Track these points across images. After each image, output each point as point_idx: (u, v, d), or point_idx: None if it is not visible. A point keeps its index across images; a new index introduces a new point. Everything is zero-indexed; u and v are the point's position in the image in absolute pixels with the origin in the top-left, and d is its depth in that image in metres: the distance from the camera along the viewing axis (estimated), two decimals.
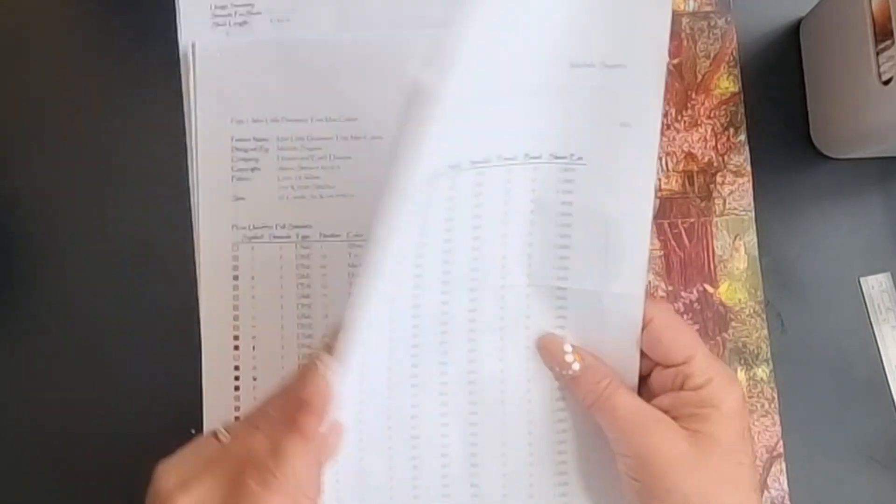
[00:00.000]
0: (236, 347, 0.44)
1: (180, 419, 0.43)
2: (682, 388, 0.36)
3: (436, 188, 0.34)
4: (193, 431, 0.43)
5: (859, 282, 0.47)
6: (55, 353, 0.46)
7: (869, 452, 0.45)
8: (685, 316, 0.46)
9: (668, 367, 0.36)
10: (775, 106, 0.48)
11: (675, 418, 0.35)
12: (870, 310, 0.46)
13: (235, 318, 0.44)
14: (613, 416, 0.36)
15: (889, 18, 0.39)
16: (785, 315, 0.47)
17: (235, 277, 0.44)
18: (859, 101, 0.43)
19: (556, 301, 0.38)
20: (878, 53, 0.41)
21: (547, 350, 0.38)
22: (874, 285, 0.47)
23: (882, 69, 0.40)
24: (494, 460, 0.38)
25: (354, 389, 0.35)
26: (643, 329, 0.37)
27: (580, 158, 0.36)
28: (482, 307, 0.37)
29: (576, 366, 0.37)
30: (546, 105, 0.35)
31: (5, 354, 0.46)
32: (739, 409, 0.35)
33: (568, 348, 0.37)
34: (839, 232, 0.47)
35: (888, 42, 0.40)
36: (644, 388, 0.37)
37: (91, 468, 0.45)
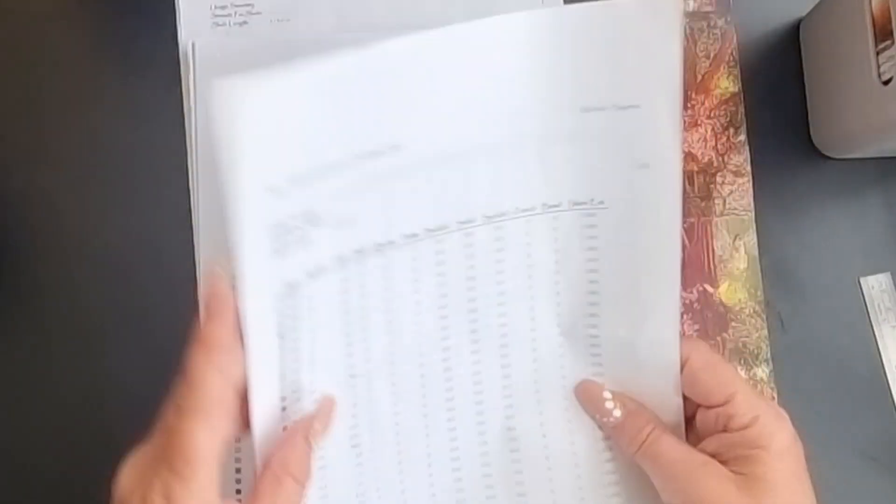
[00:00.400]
0: None
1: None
2: (725, 429, 0.34)
3: (448, 245, 0.35)
4: None
5: (859, 282, 0.47)
6: (55, 354, 0.46)
7: (869, 452, 0.45)
8: (685, 316, 0.46)
9: (709, 407, 0.35)
10: (775, 106, 0.48)
11: (723, 462, 0.33)
12: (870, 310, 0.46)
13: None
14: (658, 463, 0.34)
15: (889, 18, 0.39)
16: (785, 315, 0.47)
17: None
18: (859, 101, 0.43)
19: (591, 349, 0.37)
20: (878, 53, 0.41)
21: (587, 397, 0.37)
22: (874, 285, 0.47)
23: (882, 69, 0.40)
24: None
25: (392, 461, 0.36)
26: (681, 370, 0.36)
27: (601, 203, 0.35)
28: (515, 362, 0.37)
29: (617, 412, 0.36)
30: (560, 152, 0.35)
31: (5, 354, 0.46)
32: (791, 447, 0.33)
33: (608, 395, 0.36)
34: (839, 232, 0.47)
35: (888, 42, 0.40)
36: (691, 431, 0.36)
37: (91, 468, 0.45)
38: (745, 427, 0.33)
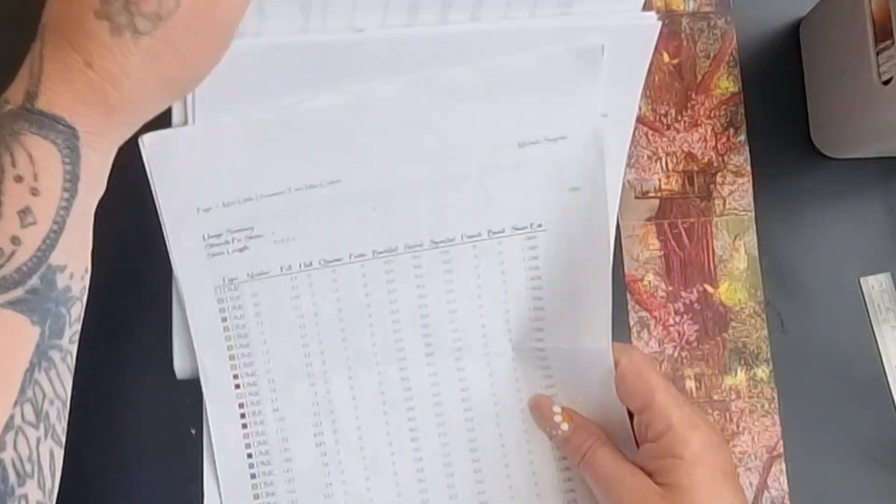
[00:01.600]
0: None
1: (180, 418, 0.43)
2: (645, 438, 0.35)
3: (397, 265, 0.38)
4: (193, 431, 0.43)
5: (859, 282, 0.47)
6: None
7: (869, 452, 0.45)
8: (685, 316, 0.46)
9: (636, 415, 0.36)
10: (775, 106, 0.48)
11: (648, 472, 0.34)
12: (870, 310, 0.46)
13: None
14: (595, 474, 0.36)
15: (889, 18, 0.39)
16: (785, 315, 0.47)
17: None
18: (859, 101, 0.43)
19: (540, 363, 0.39)
20: (878, 53, 0.41)
21: (538, 411, 0.38)
22: (874, 285, 0.47)
23: (882, 69, 0.40)
24: None
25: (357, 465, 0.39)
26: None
27: (540, 226, 0.38)
28: (472, 376, 0.39)
29: (564, 426, 0.37)
30: (501, 182, 0.38)
31: None
32: (705, 453, 0.33)
33: (557, 409, 0.38)
34: (839, 232, 0.47)
35: (888, 42, 0.40)
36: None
37: (90, 468, 0.45)
38: (660, 437, 0.34)
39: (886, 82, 0.40)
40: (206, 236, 0.38)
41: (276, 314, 0.39)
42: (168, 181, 0.38)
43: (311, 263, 0.39)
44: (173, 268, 0.39)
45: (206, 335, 0.39)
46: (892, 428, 0.45)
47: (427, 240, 0.38)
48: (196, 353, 0.39)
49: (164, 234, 0.38)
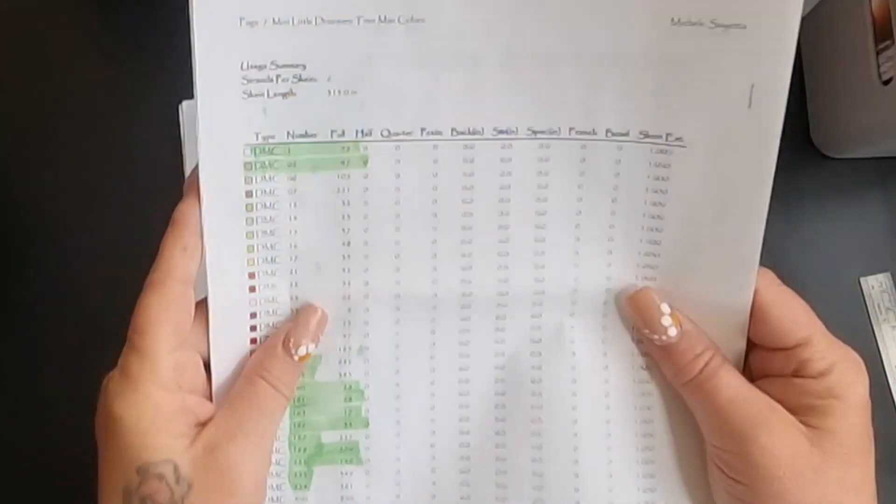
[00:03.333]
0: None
1: None
2: (796, 373, 0.29)
3: (480, 151, 0.30)
4: None
5: (859, 282, 0.47)
6: (55, 353, 0.46)
7: None
8: None
9: (776, 349, 0.30)
10: None
11: (790, 409, 0.29)
12: (870, 310, 0.46)
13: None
14: (715, 400, 0.29)
15: (889, 18, 0.39)
16: None
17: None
18: (859, 101, 0.43)
19: (645, 259, 0.32)
20: (878, 53, 0.41)
21: (639, 308, 0.31)
22: (874, 285, 0.46)
23: (882, 69, 0.40)
24: (564, 454, 0.32)
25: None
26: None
27: (679, 139, 0.30)
28: (551, 271, 0.32)
29: (672, 331, 0.30)
30: (634, 71, 0.29)
31: (5, 354, 0.46)
32: (867, 400, 0.29)
33: (666, 308, 0.30)
34: (839, 232, 0.47)
35: (888, 42, 0.40)
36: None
37: (92, 467, 0.45)
38: (821, 374, 0.29)
39: (886, 82, 0.40)
40: (244, 64, 0.29)
41: (315, 206, 0.31)
42: None
43: (369, 132, 0.30)
44: (197, 109, 0.29)
45: (221, 215, 0.30)
46: (893, 428, 0.45)
47: (523, 126, 0.30)
48: (204, 244, 0.30)
49: (192, 61, 0.28)
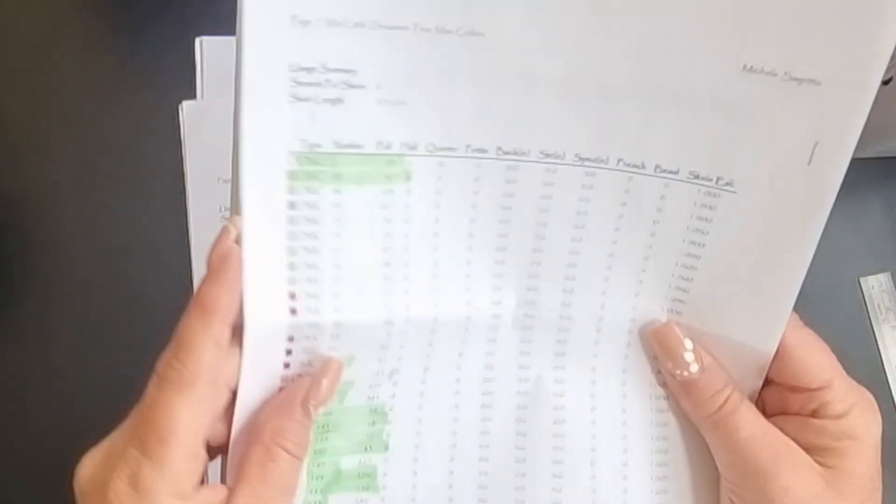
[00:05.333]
0: None
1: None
2: (815, 415, 0.30)
3: (524, 174, 0.29)
4: None
5: (859, 282, 0.47)
6: (55, 352, 0.46)
7: None
8: None
9: (797, 390, 0.30)
10: None
11: (806, 448, 0.29)
12: (870, 310, 0.46)
13: None
14: (734, 437, 0.29)
15: None
16: None
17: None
18: None
19: (672, 303, 0.31)
20: None
21: (662, 342, 0.31)
22: (874, 285, 0.46)
23: None
24: (581, 480, 0.32)
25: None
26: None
27: (728, 184, 0.29)
28: (579, 297, 0.31)
29: (694, 367, 0.30)
30: (695, 110, 0.28)
31: (5, 353, 0.46)
32: (879, 441, 0.30)
33: (689, 344, 0.30)
34: (839, 232, 0.47)
35: None
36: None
37: None
38: (841, 416, 0.29)
39: (886, 82, 0.40)
40: (293, 66, 0.26)
41: (360, 210, 0.28)
42: None
43: (414, 146, 0.28)
44: (236, 106, 0.26)
45: (262, 228, 0.27)
46: (893, 428, 0.45)
47: (570, 152, 0.29)
48: (243, 260, 0.27)
49: (238, 58, 0.26)
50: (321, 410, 0.28)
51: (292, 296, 0.28)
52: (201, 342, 0.26)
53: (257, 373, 0.28)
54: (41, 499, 0.46)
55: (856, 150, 0.46)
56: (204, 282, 0.27)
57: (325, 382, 0.28)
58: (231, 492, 0.27)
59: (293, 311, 0.28)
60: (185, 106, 0.39)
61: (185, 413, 0.26)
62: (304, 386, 0.28)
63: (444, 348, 0.31)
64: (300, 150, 0.27)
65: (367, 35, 0.26)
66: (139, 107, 0.48)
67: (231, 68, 0.27)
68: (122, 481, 0.26)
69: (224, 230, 0.27)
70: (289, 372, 0.29)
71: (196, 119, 0.40)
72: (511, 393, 0.32)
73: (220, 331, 0.26)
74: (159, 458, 0.25)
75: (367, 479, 0.31)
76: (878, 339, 0.46)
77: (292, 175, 0.27)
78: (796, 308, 0.46)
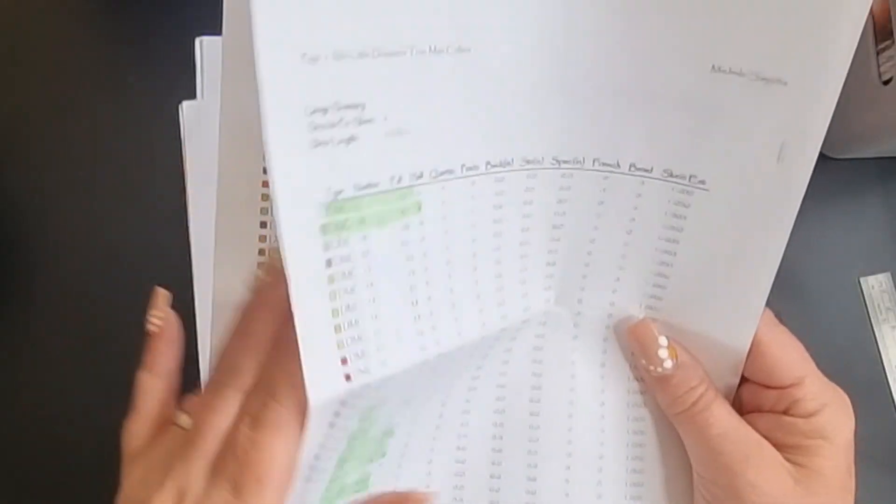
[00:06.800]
0: None
1: None
2: (787, 412, 0.30)
3: (509, 185, 0.30)
4: None
5: (859, 282, 0.47)
6: (55, 353, 0.46)
7: (869, 452, 0.45)
8: None
9: (770, 387, 0.31)
10: None
11: (777, 446, 0.30)
12: (870, 310, 0.46)
13: None
14: (706, 433, 0.30)
15: (889, 18, 0.39)
16: (785, 315, 0.46)
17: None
18: (859, 101, 0.43)
19: (651, 290, 0.32)
20: (878, 53, 0.41)
21: (637, 339, 0.32)
22: (874, 285, 0.46)
23: (882, 69, 0.40)
24: (557, 472, 0.33)
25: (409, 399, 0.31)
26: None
27: (701, 182, 0.30)
28: (555, 302, 0.32)
29: (668, 363, 0.31)
30: (667, 111, 0.29)
31: (5, 353, 0.46)
32: (851, 442, 0.30)
33: (663, 341, 0.31)
34: (839, 232, 0.47)
35: (888, 42, 0.40)
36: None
37: (91, 467, 0.45)
38: (812, 414, 0.30)
39: (886, 82, 0.40)
40: (309, 108, 0.24)
41: (385, 253, 0.27)
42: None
43: (420, 175, 0.27)
44: (267, 161, 0.24)
45: (306, 294, 0.25)
46: (892, 428, 0.45)
47: (548, 156, 0.30)
48: (296, 334, 0.25)
49: (260, 108, 0.23)
50: None
51: (344, 361, 0.26)
52: (301, 387, 0.25)
53: (311, 442, 0.27)
54: (40, 494, 0.46)
55: (856, 150, 0.47)
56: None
57: None
58: None
59: (348, 378, 0.26)
60: (185, 106, 0.40)
61: (285, 458, 0.25)
62: None
63: (447, 362, 0.31)
64: (327, 199, 0.25)
65: (371, 64, 0.25)
66: (139, 107, 0.48)
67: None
68: None
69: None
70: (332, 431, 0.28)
71: (196, 119, 0.40)
72: (491, 387, 0.32)
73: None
74: (252, 499, 0.25)
75: (362, 485, 0.31)
76: (878, 339, 0.46)
77: (325, 229, 0.25)
78: (797, 308, 0.46)
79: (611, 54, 0.28)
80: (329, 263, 0.26)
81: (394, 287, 0.27)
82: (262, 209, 0.28)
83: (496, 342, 0.32)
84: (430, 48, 0.26)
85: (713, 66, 0.28)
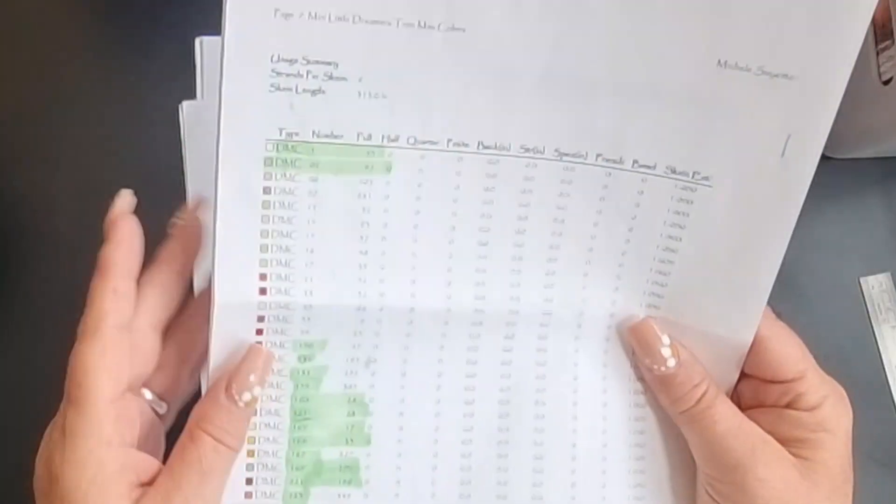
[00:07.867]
0: None
1: (180, 417, 0.43)
2: (790, 406, 0.30)
3: (504, 168, 0.30)
4: None
5: (859, 282, 0.47)
6: (55, 353, 0.46)
7: (869, 452, 0.45)
8: None
9: (771, 382, 0.31)
10: None
11: (780, 440, 0.30)
12: (870, 310, 0.46)
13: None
14: (711, 431, 0.30)
15: (889, 18, 0.39)
16: (785, 315, 0.46)
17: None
18: (859, 101, 0.43)
19: (650, 297, 0.32)
20: (878, 53, 0.41)
21: (639, 338, 0.32)
22: (874, 285, 0.46)
23: (882, 69, 0.40)
24: (562, 473, 0.33)
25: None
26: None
27: (705, 179, 0.30)
28: (559, 292, 0.32)
29: (671, 362, 0.31)
30: (672, 106, 0.29)
31: (5, 356, 0.46)
32: (850, 432, 0.30)
33: (666, 340, 0.31)
34: (839, 232, 0.47)
35: (888, 42, 0.40)
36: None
37: None
38: (813, 407, 0.30)
39: (886, 82, 0.40)
40: (275, 57, 0.27)
41: (337, 199, 0.29)
42: None
43: (395, 138, 0.29)
44: (221, 98, 0.27)
45: (235, 211, 0.29)
46: (892, 428, 0.45)
47: (550, 147, 0.30)
48: (214, 240, 0.29)
49: (221, 48, 0.27)
50: (246, 397, 0.29)
51: (263, 276, 0.30)
52: (99, 294, 0.28)
53: (226, 344, 0.30)
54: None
55: (856, 150, 0.47)
56: (102, 248, 0.29)
57: (244, 367, 0.29)
58: (163, 467, 0.29)
59: (263, 291, 0.30)
60: (185, 106, 0.40)
61: (93, 357, 0.28)
62: (228, 372, 0.29)
63: (424, 340, 0.31)
64: (277, 138, 0.28)
65: (349, 29, 0.27)
66: (139, 107, 0.48)
67: None
68: (56, 431, 0.28)
69: (118, 195, 0.32)
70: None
71: (196, 119, 0.40)
72: (493, 387, 0.32)
73: (118, 282, 0.29)
74: (80, 402, 0.27)
75: (349, 473, 0.32)
76: (878, 339, 0.46)
77: (269, 162, 0.29)
78: (797, 308, 0.46)
79: (615, 48, 0.28)
80: (267, 191, 0.29)
81: (341, 232, 0.30)
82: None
83: (487, 333, 0.32)
84: (418, 23, 0.27)
85: (719, 62, 0.28)
